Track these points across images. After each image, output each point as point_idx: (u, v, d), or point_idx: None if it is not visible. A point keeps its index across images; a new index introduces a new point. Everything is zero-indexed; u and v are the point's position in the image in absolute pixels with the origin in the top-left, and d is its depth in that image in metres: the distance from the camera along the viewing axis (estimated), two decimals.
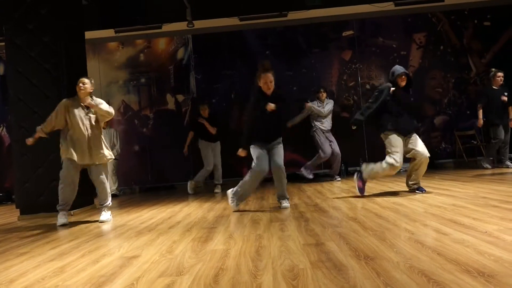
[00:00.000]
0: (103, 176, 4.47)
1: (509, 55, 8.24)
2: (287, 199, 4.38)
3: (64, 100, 4.41)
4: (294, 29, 8.59)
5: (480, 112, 6.74)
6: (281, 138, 4.33)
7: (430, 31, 8.52)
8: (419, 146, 4.40)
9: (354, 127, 4.68)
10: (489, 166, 6.72)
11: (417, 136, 4.49)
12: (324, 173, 8.00)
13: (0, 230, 4.42)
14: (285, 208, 4.23)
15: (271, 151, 4.25)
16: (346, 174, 7.87)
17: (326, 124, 7.00)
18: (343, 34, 8.59)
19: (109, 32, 8.56)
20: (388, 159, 4.41)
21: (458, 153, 8.19)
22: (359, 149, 8.24)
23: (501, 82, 6.68)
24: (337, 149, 6.95)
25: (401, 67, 4.51)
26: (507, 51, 8.33)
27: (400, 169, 7.84)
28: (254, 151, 4.21)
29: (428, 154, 4.39)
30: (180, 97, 8.71)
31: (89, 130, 4.36)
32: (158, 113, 8.72)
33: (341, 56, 8.58)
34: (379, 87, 4.68)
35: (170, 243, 2.93)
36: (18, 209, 5.42)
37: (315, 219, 3.43)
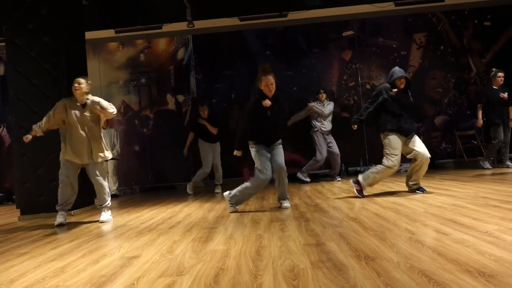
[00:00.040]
0: (100, 177, 4.41)
1: (509, 55, 8.23)
2: (288, 199, 4.38)
3: (62, 99, 4.40)
4: (294, 29, 8.59)
5: (480, 112, 6.74)
6: (280, 140, 4.34)
7: (430, 31, 8.52)
8: (420, 147, 4.40)
9: (355, 126, 4.68)
10: (490, 166, 6.72)
11: (417, 137, 4.49)
12: (324, 173, 8.01)
13: (0, 230, 4.42)
14: (286, 208, 4.23)
15: (272, 152, 4.26)
16: (346, 174, 7.87)
17: (327, 125, 7.00)
18: (343, 34, 8.59)
19: (109, 32, 8.56)
20: (386, 161, 4.43)
21: (459, 153, 8.19)
22: (359, 149, 8.24)
23: (502, 82, 6.68)
24: (336, 149, 6.96)
25: (400, 70, 4.51)
26: (507, 51, 8.32)
27: (401, 169, 7.93)
28: (258, 157, 4.19)
29: (429, 155, 4.39)
30: (181, 97, 8.71)
31: (87, 130, 4.34)
32: (158, 113, 8.72)
33: (341, 56, 8.57)
34: (377, 87, 4.70)
35: (171, 243, 2.93)
36: (19, 209, 5.42)
37: (315, 219, 3.43)
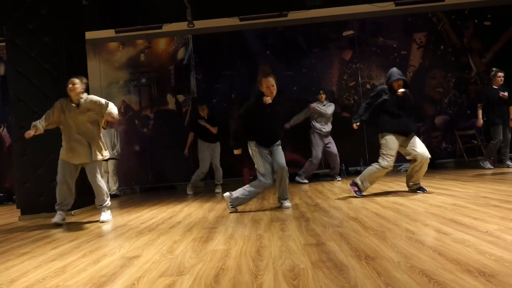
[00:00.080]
0: (98, 177, 4.37)
1: (509, 54, 8.23)
2: (288, 199, 4.38)
3: (59, 100, 4.38)
4: (294, 29, 8.59)
5: (480, 112, 6.73)
6: (280, 141, 4.35)
7: (431, 31, 8.52)
8: (420, 147, 4.39)
9: (357, 123, 4.66)
10: (490, 166, 6.71)
11: (417, 137, 4.48)
12: (325, 173, 8.01)
13: (1, 230, 4.42)
14: (287, 208, 4.23)
15: (272, 153, 4.26)
16: (346, 174, 7.87)
17: (326, 126, 7.01)
18: (344, 34, 8.59)
19: (110, 32, 8.56)
20: (382, 161, 4.44)
21: (459, 153, 8.19)
22: (359, 149, 8.24)
23: (502, 82, 6.68)
24: (334, 150, 6.97)
25: (398, 72, 4.49)
26: (507, 51, 8.32)
27: (401, 169, 7.94)
28: (260, 159, 4.19)
29: (428, 155, 4.38)
30: (181, 97, 8.71)
31: (84, 130, 4.30)
32: (158, 113, 8.73)
33: (342, 56, 8.57)
34: (376, 88, 4.72)
35: (171, 243, 2.93)
36: (19, 209, 5.42)
37: (315, 219, 3.43)
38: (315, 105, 6.98)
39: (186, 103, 8.64)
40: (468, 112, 8.34)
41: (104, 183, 4.46)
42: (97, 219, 4.49)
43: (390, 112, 4.45)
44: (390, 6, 8.27)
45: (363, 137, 8.23)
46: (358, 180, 4.58)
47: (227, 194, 4.33)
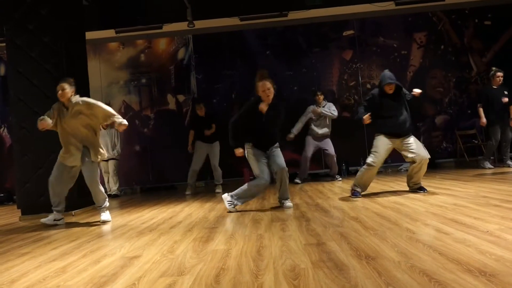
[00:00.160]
0: (95, 179, 4.30)
1: (510, 54, 8.23)
2: (288, 198, 4.39)
3: (56, 102, 4.33)
4: (294, 29, 8.59)
5: (481, 111, 6.72)
6: (278, 144, 4.35)
7: (431, 31, 8.52)
8: (418, 149, 4.38)
9: (368, 115, 4.55)
10: (491, 166, 6.71)
11: (414, 138, 4.46)
12: (325, 173, 8.02)
13: (1, 231, 4.42)
14: (289, 207, 4.23)
15: (271, 154, 4.26)
16: (347, 174, 7.87)
17: (323, 128, 7.02)
18: (344, 33, 8.59)
19: (110, 33, 8.56)
20: (367, 159, 4.51)
21: (459, 153, 8.18)
22: (360, 149, 8.23)
23: (500, 82, 6.67)
24: (332, 152, 6.99)
25: (390, 76, 4.47)
26: (508, 50, 8.32)
27: (401, 169, 7.94)
28: (255, 162, 4.22)
29: (427, 156, 4.38)
30: (181, 97, 8.71)
31: (77, 134, 4.25)
32: (159, 113, 8.73)
33: (342, 56, 8.57)
34: (370, 92, 4.75)
35: (171, 243, 2.93)
36: (19, 210, 5.43)
37: (316, 219, 3.43)
38: (320, 109, 6.97)
39: (187, 103, 8.64)
40: (469, 111, 8.34)
41: (99, 185, 4.37)
42: (98, 220, 4.49)
43: (384, 115, 4.46)
44: (390, 5, 8.27)
45: (363, 137, 8.23)
46: (353, 186, 4.65)
47: (225, 195, 4.36)
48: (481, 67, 8.39)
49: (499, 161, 7.11)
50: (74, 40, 5.80)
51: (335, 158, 7.03)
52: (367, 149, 8.23)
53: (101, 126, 4.65)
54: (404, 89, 4.59)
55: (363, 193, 4.69)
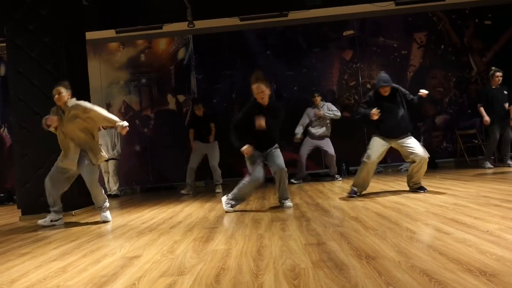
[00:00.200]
0: (95, 180, 4.28)
1: (510, 54, 8.23)
2: (288, 198, 4.39)
3: (55, 106, 4.31)
4: (294, 29, 8.59)
5: (482, 110, 6.69)
6: (277, 145, 4.35)
7: (431, 30, 8.51)
8: (417, 148, 4.39)
9: (376, 116, 4.48)
10: (491, 166, 6.71)
11: (412, 138, 4.47)
12: (325, 173, 8.01)
13: (1, 231, 4.42)
14: (289, 207, 4.23)
15: (270, 155, 4.26)
16: (347, 174, 7.87)
17: (320, 129, 7.02)
18: (344, 33, 8.59)
19: (110, 33, 8.56)
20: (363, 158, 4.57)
21: (460, 152, 8.18)
22: (360, 149, 8.20)
23: (499, 82, 6.66)
24: (331, 152, 7.00)
25: (383, 79, 4.45)
26: (508, 50, 8.32)
27: (401, 169, 7.94)
28: (249, 161, 4.24)
29: (427, 155, 4.38)
30: (181, 97, 8.71)
31: (74, 138, 4.24)
32: (159, 113, 8.73)
33: (342, 56, 8.57)
34: (367, 94, 4.76)
35: (172, 243, 2.93)
36: (20, 210, 5.43)
37: (316, 218, 3.43)
38: (322, 112, 6.97)
39: (187, 103, 8.64)
40: (469, 111, 8.34)
41: (99, 187, 4.35)
42: (98, 220, 4.49)
43: (381, 116, 4.46)
44: (391, 5, 8.27)
45: (363, 136, 8.22)
46: (351, 186, 4.69)
47: (224, 197, 4.40)
48: (481, 67, 8.39)
49: (499, 161, 7.10)
50: (74, 40, 5.80)
51: (334, 159, 7.03)
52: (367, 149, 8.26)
53: (100, 126, 4.64)
54: (402, 90, 4.57)
55: (364, 192, 4.69)
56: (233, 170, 7.87)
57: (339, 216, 3.47)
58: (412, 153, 4.37)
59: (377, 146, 4.50)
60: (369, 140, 4.70)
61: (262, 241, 2.73)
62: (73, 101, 4.27)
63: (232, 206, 4.31)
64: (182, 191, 6.93)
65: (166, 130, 8.60)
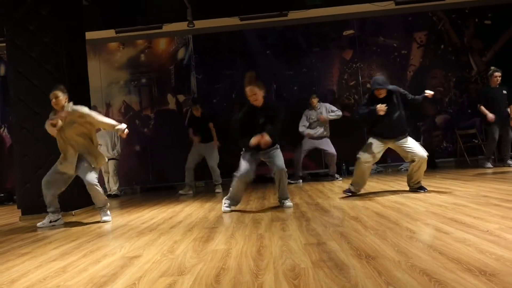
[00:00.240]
0: (93, 182, 4.25)
1: (510, 53, 8.23)
2: (288, 198, 4.39)
3: (52, 111, 4.29)
4: (294, 28, 8.59)
5: (483, 109, 6.64)
6: (278, 145, 4.33)
7: (431, 30, 8.51)
8: (415, 148, 4.39)
9: (383, 111, 4.48)
10: (490, 166, 6.70)
11: (410, 139, 4.47)
12: (325, 173, 8.01)
13: (1, 231, 4.43)
14: (289, 207, 4.23)
15: (271, 155, 4.26)
16: (347, 173, 7.87)
17: (319, 130, 7.03)
18: (344, 33, 8.59)
19: (110, 33, 8.57)
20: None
21: (459, 152, 8.18)
22: (360, 148, 8.21)
23: (498, 82, 6.64)
24: (332, 151, 7.01)
25: (378, 81, 4.45)
26: (508, 50, 8.32)
27: (401, 168, 7.94)
28: (240, 160, 4.28)
29: (426, 154, 4.38)
30: (181, 97, 8.71)
31: (73, 143, 4.23)
32: (159, 113, 8.73)
33: (342, 55, 8.57)
34: (365, 97, 4.77)
35: (172, 243, 2.93)
36: (20, 210, 5.43)
37: (316, 218, 3.43)
38: (325, 116, 6.97)
39: (187, 103, 8.64)
40: (469, 111, 8.34)
41: (99, 187, 4.33)
42: (98, 220, 4.49)
43: (377, 118, 4.47)
44: (391, 5, 8.27)
45: (363, 136, 8.21)
46: (349, 184, 4.72)
47: (224, 199, 4.44)
48: (481, 67, 8.39)
49: (499, 161, 7.10)
50: (74, 40, 5.80)
51: (335, 157, 7.03)
52: None
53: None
54: (401, 91, 4.55)
55: (363, 192, 4.70)
56: (233, 170, 7.77)
57: (339, 216, 3.47)
58: (410, 153, 4.38)
59: (372, 147, 4.52)
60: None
61: (262, 241, 2.73)
62: (70, 105, 4.26)
63: (228, 205, 4.34)
64: (180, 191, 6.94)
65: (166, 130, 8.60)
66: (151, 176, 8.62)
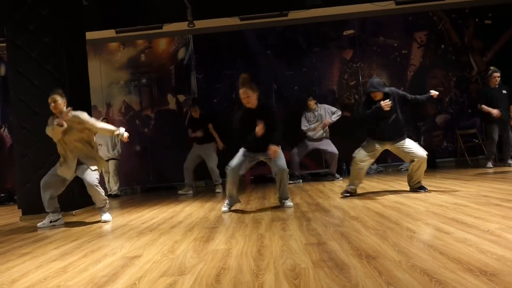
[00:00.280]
0: (93, 183, 4.24)
1: (510, 53, 8.22)
2: (289, 198, 4.39)
3: (50, 117, 4.26)
4: (294, 28, 8.59)
5: (485, 107, 6.61)
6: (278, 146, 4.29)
7: (431, 30, 8.51)
8: (414, 148, 4.40)
9: (389, 107, 4.44)
10: (491, 166, 6.69)
11: (409, 140, 4.48)
12: (326, 173, 8.01)
13: (2, 231, 4.43)
14: (289, 207, 4.23)
15: (269, 157, 4.25)
16: (347, 173, 7.86)
17: (318, 131, 7.03)
18: (344, 33, 8.59)
19: (110, 33, 8.56)
20: None
21: (460, 152, 8.17)
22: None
23: (497, 82, 6.62)
24: (332, 150, 7.00)
25: (372, 84, 4.44)
26: (508, 50, 8.31)
27: (402, 168, 7.94)
28: (239, 152, 4.30)
29: (425, 154, 4.38)
30: (181, 97, 8.71)
31: (72, 148, 4.23)
32: (159, 113, 8.73)
33: (342, 55, 8.57)
34: (363, 100, 4.76)
35: (172, 243, 2.93)
36: (20, 210, 5.43)
37: (316, 218, 3.43)
38: (328, 120, 6.97)
39: (187, 103, 8.64)
40: (469, 111, 8.33)
41: (99, 188, 4.32)
42: (98, 219, 4.50)
43: (375, 120, 4.46)
44: (391, 5, 8.27)
45: (363, 136, 8.20)
46: (346, 186, 4.72)
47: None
48: (481, 67, 8.38)
49: (499, 160, 7.10)
50: (75, 40, 5.80)
51: (336, 156, 7.02)
52: None
53: None
54: (400, 93, 4.53)
55: (364, 192, 4.70)
56: None
57: (339, 215, 3.47)
58: (409, 153, 4.39)
59: (367, 146, 4.54)
60: None
61: (262, 241, 2.73)
62: (70, 110, 4.23)
63: (226, 205, 4.36)
64: (179, 191, 6.95)
65: (167, 130, 8.60)
66: (152, 176, 8.62)
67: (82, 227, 4.18)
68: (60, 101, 4.18)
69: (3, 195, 8.44)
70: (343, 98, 8.50)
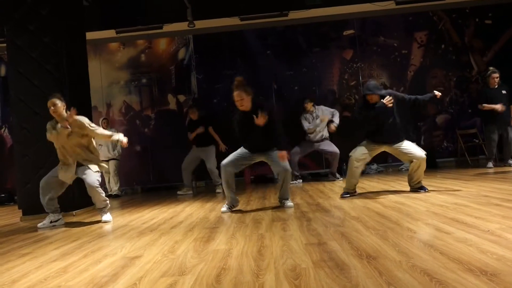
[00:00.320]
0: (93, 184, 4.22)
1: (510, 53, 8.22)
2: (289, 198, 4.39)
3: (48, 122, 4.25)
4: (294, 28, 8.59)
5: (486, 106, 6.58)
6: (275, 148, 4.26)
7: (431, 30, 8.51)
8: (412, 149, 4.41)
9: (390, 104, 4.43)
10: (491, 166, 6.69)
11: (406, 141, 4.48)
12: (326, 172, 8.01)
13: (2, 231, 4.43)
14: (290, 207, 4.23)
15: (273, 158, 4.25)
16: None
17: (318, 134, 7.02)
18: (344, 33, 8.58)
19: (110, 33, 8.57)
20: None
21: (460, 152, 8.17)
22: None
23: (496, 83, 6.60)
24: (333, 149, 7.00)
25: (370, 86, 4.42)
26: (508, 50, 8.31)
27: (402, 168, 7.94)
28: (237, 151, 4.33)
29: (424, 154, 4.38)
30: (182, 97, 8.71)
31: (72, 153, 4.24)
32: (159, 113, 8.73)
33: (342, 55, 8.57)
34: (359, 103, 4.77)
35: (172, 243, 2.93)
36: (20, 210, 5.43)
37: (317, 218, 3.43)
38: (334, 125, 6.96)
39: (187, 103, 8.64)
40: (470, 111, 8.33)
41: (99, 188, 4.31)
42: (99, 220, 4.50)
43: (373, 123, 4.47)
44: (391, 5, 8.27)
45: (363, 136, 8.21)
46: (344, 188, 4.74)
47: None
48: (481, 67, 8.38)
49: (500, 161, 7.10)
50: (75, 41, 5.80)
51: (338, 156, 7.02)
52: None
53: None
54: (398, 95, 4.51)
55: (362, 191, 4.70)
56: None
57: (340, 216, 3.47)
58: (408, 154, 4.40)
59: (364, 146, 4.56)
60: None
61: (263, 241, 2.73)
62: (74, 117, 4.20)
63: (225, 206, 4.36)
64: (178, 192, 6.95)
65: (167, 130, 8.60)
66: (152, 176, 8.62)
67: (82, 227, 4.18)
68: (60, 104, 4.17)
69: (3, 195, 8.44)
70: (344, 98, 8.50)
